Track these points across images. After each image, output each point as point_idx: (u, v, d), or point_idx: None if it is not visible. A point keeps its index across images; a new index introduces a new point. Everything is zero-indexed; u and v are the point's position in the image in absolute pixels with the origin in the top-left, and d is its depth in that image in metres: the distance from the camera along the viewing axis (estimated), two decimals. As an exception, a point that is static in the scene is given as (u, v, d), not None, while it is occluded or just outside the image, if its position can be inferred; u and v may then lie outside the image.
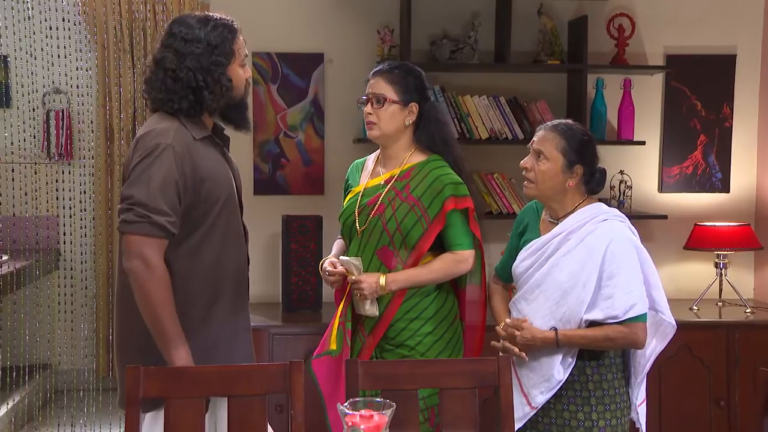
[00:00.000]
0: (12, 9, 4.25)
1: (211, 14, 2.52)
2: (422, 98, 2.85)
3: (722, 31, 4.48)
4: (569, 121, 2.73)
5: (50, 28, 4.19)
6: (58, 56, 4.23)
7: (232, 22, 2.51)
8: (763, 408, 2.46)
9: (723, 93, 4.48)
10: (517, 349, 2.56)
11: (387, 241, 2.78)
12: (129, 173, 2.36)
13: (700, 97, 4.47)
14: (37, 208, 4.46)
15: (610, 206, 4.22)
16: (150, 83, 2.47)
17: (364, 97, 2.86)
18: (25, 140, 4.41)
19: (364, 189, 2.89)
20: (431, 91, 2.92)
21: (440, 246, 2.83)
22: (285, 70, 4.28)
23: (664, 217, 4.30)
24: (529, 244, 2.67)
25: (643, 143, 4.29)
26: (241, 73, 2.52)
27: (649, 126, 4.44)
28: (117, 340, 2.53)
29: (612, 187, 4.35)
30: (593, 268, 2.52)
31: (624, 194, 4.36)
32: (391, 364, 2.53)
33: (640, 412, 2.67)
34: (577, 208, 2.64)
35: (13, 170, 4.24)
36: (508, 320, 2.65)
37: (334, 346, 2.73)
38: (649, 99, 4.44)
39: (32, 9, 4.22)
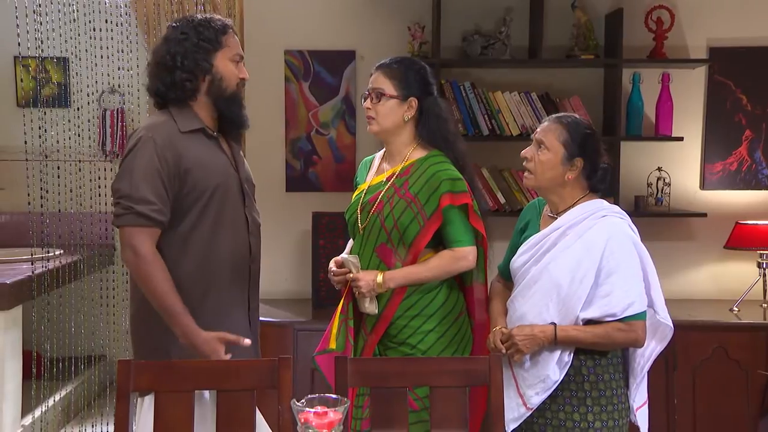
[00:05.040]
0: (59, 12, 4.39)
1: (214, 15, 2.61)
2: (423, 93, 2.81)
3: (770, 22, 4.32)
4: (575, 114, 2.68)
5: (94, 29, 4.30)
6: (102, 57, 4.34)
7: (228, 21, 2.60)
8: (760, 409, 2.37)
9: (771, 86, 4.32)
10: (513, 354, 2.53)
11: (385, 239, 2.76)
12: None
13: (745, 90, 4.33)
14: (81, 204, 4.59)
15: (646, 204, 4.19)
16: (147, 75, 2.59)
17: (366, 92, 2.86)
18: (70, 139, 4.54)
19: (368, 186, 2.88)
20: (434, 86, 2.88)
21: (443, 243, 2.80)
22: (317, 68, 4.31)
23: (704, 215, 4.18)
24: (528, 240, 2.63)
25: (681, 139, 4.17)
26: (232, 67, 2.57)
27: (690, 121, 4.31)
28: (130, 329, 2.62)
29: (649, 184, 4.25)
30: (591, 265, 2.47)
31: (662, 191, 4.24)
32: (382, 361, 2.53)
33: (640, 415, 2.60)
34: (578, 203, 2.59)
35: (58, 167, 4.37)
36: (498, 327, 2.63)
37: (333, 345, 2.73)
38: (690, 93, 4.32)
39: (77, 12, 4.34)
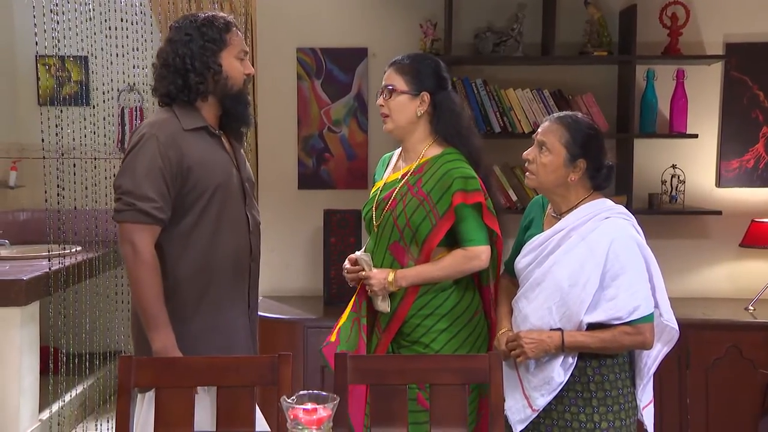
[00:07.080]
0: (76, 11, 4.43)
1: (215, 13, 2.61)
2: (436, 88, 2.78)
3: (788, 17, 4.25)
4: (577, 113, 2.64)
5: (109, 28, 4.34)
6: (119, 55, 4.38)
7: (230, 18, 2.60)
8: (761, 409, 2.34)
9: (789, 82, 4.26)
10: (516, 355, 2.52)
11: (398, 237, 2.75)
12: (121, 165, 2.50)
13: (762, 86, 4.27)
14: (96, 201, 4.63)
15: (661, 201, 4.15)
16: (153, 77, 2.59)
17: (379, 90, 2.84)
18: (86, 137, 4.57)
19: (384, 183, 2.87)
20: (448, 81, 2.84)
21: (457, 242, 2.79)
22: (329, 65, 4.32)
23: (719, 213, 4.13)
24: (531, 240, 2.61)
25: (695, 136, 4.12)
26: (238, 65, 2.58)
27: (705, 118, 4.27)
28: (131, 325, 2.64)
29: (663, 182, 4.21)
30: (595, 268, 2.44)
31: (676, 189, 4.20)
32: (381, 359, 2.53)
33: (646, 414, 2.57)
34: (581, 203, 2.55)
35: (74, 164, 4.41)
36: (504, 330, 2.62)
37: (333, 338, 2.74)
38: (705, 90, 4.27)
39: (93, 11, 4.38)
